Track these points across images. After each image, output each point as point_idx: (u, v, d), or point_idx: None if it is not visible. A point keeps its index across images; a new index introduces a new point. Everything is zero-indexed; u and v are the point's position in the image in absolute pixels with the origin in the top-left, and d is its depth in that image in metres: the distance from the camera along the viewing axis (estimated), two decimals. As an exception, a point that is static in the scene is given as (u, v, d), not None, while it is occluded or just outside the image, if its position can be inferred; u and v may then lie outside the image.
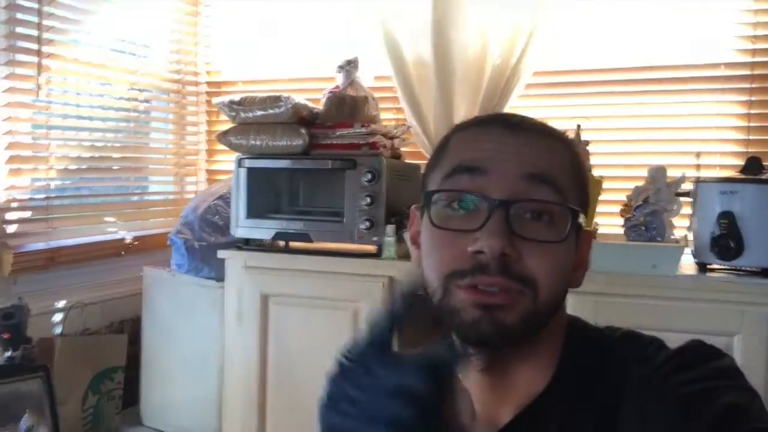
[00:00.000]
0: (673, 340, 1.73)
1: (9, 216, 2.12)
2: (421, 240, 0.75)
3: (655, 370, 0.67)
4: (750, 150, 2.12)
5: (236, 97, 2.19)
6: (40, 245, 2.19)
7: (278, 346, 2.11)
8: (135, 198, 2.70)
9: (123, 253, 2.50)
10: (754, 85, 2.14)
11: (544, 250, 0.68)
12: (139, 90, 2.62)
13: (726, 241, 1.71)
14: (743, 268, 1.75)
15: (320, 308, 2.07)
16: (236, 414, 2.15)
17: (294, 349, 2.09)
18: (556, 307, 0.70)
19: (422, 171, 2.03)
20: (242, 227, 2.19)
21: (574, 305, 1.74)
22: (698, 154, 1.82)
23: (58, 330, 2.25)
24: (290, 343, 2.09)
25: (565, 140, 0.75)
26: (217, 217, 2.33)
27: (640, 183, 1.98)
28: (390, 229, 2.01)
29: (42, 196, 2.24)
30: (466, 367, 0.74)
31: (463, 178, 0.70)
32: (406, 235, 1.97)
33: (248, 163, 2.18)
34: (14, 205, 2.14)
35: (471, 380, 0.76)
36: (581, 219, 0.71)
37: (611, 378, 0.70)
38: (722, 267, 1.78)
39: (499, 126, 0.72)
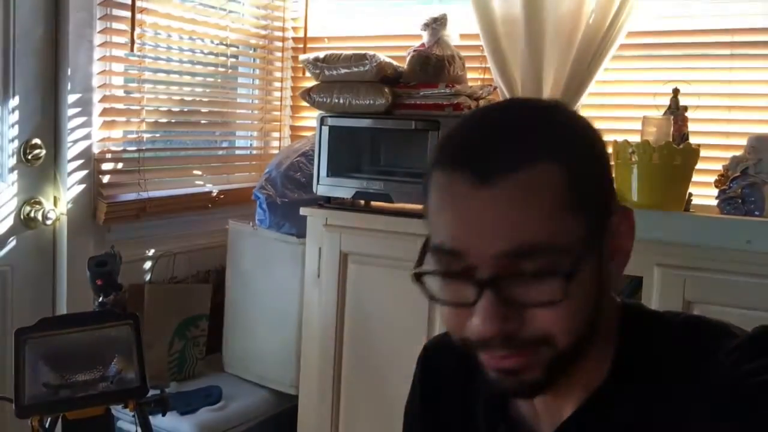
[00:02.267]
0: (766, 320, 1.65)
1: (103, 167, 2.21)
2: None
3: (722, 361, 0.64)
4: None
5: (321, 54, 2.19)
6: (132, 196, 2.28)
7: (355, 304, 2.13)
8: (221, 152, 2.77)
9: (210, 205, 2.58)
10: None
11: (553, 308, 0.63)
12: (227, 45, 2.65)
13: (830, 218, 1.60)
14: None
15: (398, 268, 2.07)
16: (313, 367, 2.20)
17: (370, 308, 2.11)
18: (583, 340, 0.67)
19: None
20: (323, 185, 2.21)
21: (661, 279, 1.70)
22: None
23: (147, 277, 2.36)
24: (367, 301, 2.12)
25: (556, 152, 0.64)
26: (299, 174, 2.35)
27: (739, 153, 1.87)
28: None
29: (134, 148, 2.32)
30: None
31: (446, 259, 0.66)
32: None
33: (331, 121, 2.18)
34: (108, 156, 2.23)
35: None
36: (592, 248, 0.65)
37: (676, 367, 0.67)
38: (824, 245, 1.67)
39: (466, 178, 0.64)
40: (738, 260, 1.68)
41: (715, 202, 1.86)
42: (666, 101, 1.99)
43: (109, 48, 2.20)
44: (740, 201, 1.77)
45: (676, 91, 1.94)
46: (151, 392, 1.49)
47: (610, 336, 0.71)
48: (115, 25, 2.22)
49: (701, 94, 2.16)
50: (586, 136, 0.70)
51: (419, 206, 2.21)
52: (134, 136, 2.33)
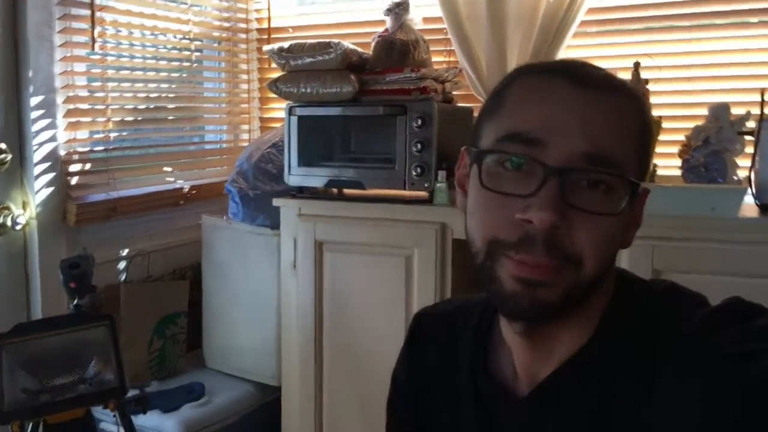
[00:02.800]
0: (733, 284, 1.70)
1: (71, 168, 2.19)
2: (468, 194, 0.73)
3: (694, 329, 0.66)
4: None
5: (285, 45, 2.18)
6: (102, 196, 2.26)
7: (333, 292, 2.14)
8: (191, 148, 2.75)
9: (182, 202, 2.57)
10: (826, 15, 2.02)
11: (596, 222, 0.65)
12: (190, 39, 2.63)
13: (790, 182, 1.64)
14: (809, 210, 1.69)
15: (373, 255, 2.09)
16: (294, 357, 2.21)
17: (348, 295, 2.13)
18: (602, 276, 0.69)
19: (475, 114, 2.02)
20: (295, 175, 2.21)
21: (630, 249, 1.72)
22: (763, 91, 1.73)
23: (122, 277, 2.35)
24: (344, 289, 2.13)
25: (635, 98, 0.71)
26: (270, 165, 2.35)
27: (701, 122, 1.91)
28: (441, 174, 2.00)
29: (101, 148, 2.30)
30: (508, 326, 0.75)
31: (518, 146, 0.66)
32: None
33: (299, 111, 2.18)
34: (75, 157, 2.21)
35: (512, 340, 0.76)
36: (640, 187, 0.68)
37: (651, 335, 0.69)
38: (786, 209, 1.71)
39: (565, 80, 0.67)
40: (703, 227, 1.72)
41: (679, 172, 1.89)
42: (628, 76, 2.01)
43: (70, 48, 2.17)
44: (703, 169, 1.81)
45: (636, 65, 1.96)
46: (132, 392, 1.49)
47: (602, 301, 0.72)
48: (75, 24, 2.19)
49: (663, 66, 2.19)
50: (645, 104, 0.76)
51: (391, 191, 2.22)
52: (101, 135, 2.31)
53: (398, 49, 2.13)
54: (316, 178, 2.19)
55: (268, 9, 2.83)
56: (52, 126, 2.12)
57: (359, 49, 2.16)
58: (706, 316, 0.67)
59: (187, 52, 2.64)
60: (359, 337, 2.11)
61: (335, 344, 2.16)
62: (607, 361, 0.70)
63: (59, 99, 2.14)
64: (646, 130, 0.71)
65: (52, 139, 2.12)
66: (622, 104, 0.68)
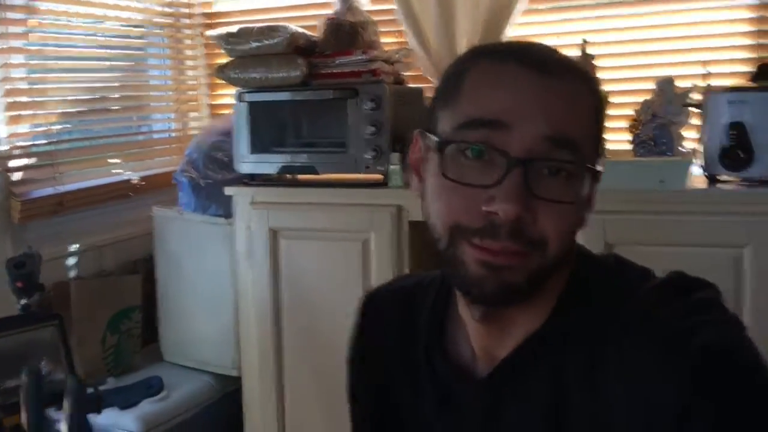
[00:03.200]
0: (684, 255, 1.73)
1: (13, 164, 2.11)
2: (426, 180, 0.72)
3: (640, 304, 0.67)
4: (761, 55, 2.06)
5: (232, 29, 2.14)
6: (48, 191, 2.19)
7: (289, 280, 2.12)
8: (139, 138, 2.68)
9: (131, 194, 2.50)
10: (765, -13, 2.06)
11: (559, 210, 0.65)
12: (132, 26, 2.56)
13: (735, 152, 1.68)
14: (753, 179, 1.72)
15: (329, 240, 2.07)
16: (253, 346, 2.19)
17: (305, 282, 2.11)
18: (564, 257, 0.69)
19: (426, 95, 2.01)
20: (247, 163, 2.18)
21: (583, 225, 1.74)
22: (706, 63, 1.76)
23: (72, 273, 2.28)
24: (301, 275, 2.11)
25: (589, 79, 0.71)
26: (221, 153, 2.31)
27: (649, 97, 1.94)
28: (395, 157, 1.99)
29: (44, 141, 2.22)
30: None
31: (481, 132, 0.66)
32: (412, 163, 1.95)
33: (248, 97, 2.15)
34: (17, 152, 2.13)
35: (469, 321, 0.76)
36: (599, 169, 0.68)
37: (599, 314, 0.70)
38: (732, 179, 1.75)
39: (521, 65, 0.67)
40: (653, 200, 1.75)
41: (629, 147, 1.92)
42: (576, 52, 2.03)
43: (6, 39, 2.09)
44: (652, 143, 1.84)
45: (584, 42, 1.98)
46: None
47: (561, 281, 0.72)
48: (9, 15, 2.10)
49: (610, 42, 2.22)
50: (599, 84, 0.74)
51: (345, 175, 2.21)
52: (44, 128, 2.23)
53: (347, 31, 2.10)
54: (269, 164, 2.16)
55: (212, -7, 2.77)
56: (-10, 120, 2.04)
57: (307, 32, 2.13)
58: (652, 291, 0.68)
59: (130, 40, 2.57)
60: (318, 323, 2.10)
61: (294, 331, 2.15)
62: (561, 338, 0.71)
63: (-4, 92, 2.06)
64: (600, 112, 0.71)
65: (-9, 133, 2.04)
66: (578, 87, 0.68)
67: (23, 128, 2.17)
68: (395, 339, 0.85)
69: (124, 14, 2.51)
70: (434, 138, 0.69)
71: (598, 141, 0.71)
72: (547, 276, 0.68)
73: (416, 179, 0.76)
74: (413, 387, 0.82)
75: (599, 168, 0.68)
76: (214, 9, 2.81)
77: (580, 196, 0.66)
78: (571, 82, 0.68)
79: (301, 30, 2.11)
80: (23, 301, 1.55)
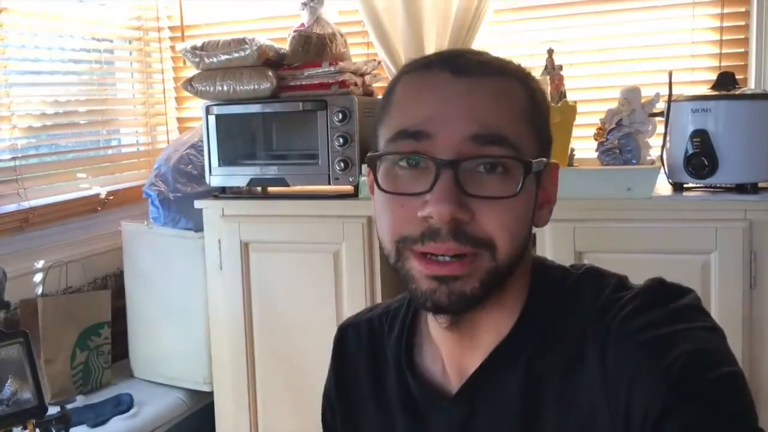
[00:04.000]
0: (652, 262, 1.75)
1: (-24, 179, 2.08)
2: (374, 199, 0.72)
3: (615, 314, 0.66)
4: (723, 64, 2.10)
5: (199, 42, 2.13)
6: (12, 207, 2.16)
7: (261, 293, 2.11)
8: (107, 152, 2.65)
9: (99, 208, 2.47)
10: (725, -3, 2.10)
11: (500, 206, 0.65)
12: (99, 40, 2.53)
13: (699, 159, 1.70)
14: (718, 186, 1.76)
15: (301, 252, 2.06)
16: (225, 361, 2.17)
17: (277, 294, 2.10)
18: (518, 258, 0.69)
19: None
20: (216, 176, 2.16)
21: (552, 233, 1.77)
22: (671, 72, 1.79)
23: (39, 290, 2.24)
24: (273, 288, 2.10)
25: (520, 75, 0.71)
26: (190, 166, 2.29)
27: (615, 105, 1.96)
28: (365, 168, 1.99)
29: (8, 156, 2.19)
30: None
31: (409, 142, 0.66)
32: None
33: (216, 110, 2.13)
34: (-20, 167, 2.10)
35: (438, 335, 0.76)
36: (541, 162, 0.68)
37: (574, 321, 0.69)
38: (697, 185, 1.78)
39: (445, 71, 0.68)
40: (620, 208, 1.77)
41: (595, 155, 1.94)
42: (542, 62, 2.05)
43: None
44: (618, 151, 1.86)
45: (550, 51, 2.00)
46: (54, 409, 1.43)
47: (520, 287, 0.72)
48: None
49: (576, 51, 2.24)
50: (534, 80, 0.74)
51: (316, 187, 2.21)
52: (7, 143, 2.19)
53: (315, 43, 2.10)
54: (238, 177, 2.15)
55: (180, 5, 2.75)
56: (-48, 135, 2.00)
57: (275, 45, 2.13)
58: (630, 299, 0.67)
59: (97, 54, 2.54)
60: (290, 336, 2.09)
61: (266, 345, 2.13)
62: (532, 347, 0.71)
63: (-41, 107, 2.02)
64: (537, 105, 0.71)
65: (-46, 149, 2.01)
66: (505, 84, 0.68)
67: (-14, 143, 2.14)
68: (366, 370, 0.85)
69: (92, 28, 2.49)
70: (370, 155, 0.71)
71: (542, 134, 0.71)
72: (502, 278, 0.68)
73: (373, 202, 0.76)
74: (386, 413, 0.81)
75: (543, 160, 0.68)
76: (183, 22, 2.79)
77: (517, 191, 0.65)
78: (498, 80, 0.68)
79: (269, 42, 2.10)
80: (-13, 320, 1.52)
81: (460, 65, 0.68)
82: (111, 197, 2.50)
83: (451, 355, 0.75)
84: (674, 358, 0.60)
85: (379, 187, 0.68)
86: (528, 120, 0.68)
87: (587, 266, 0.76)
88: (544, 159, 0.70)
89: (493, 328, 0.72)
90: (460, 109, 0.65)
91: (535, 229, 0.74)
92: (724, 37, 2.12)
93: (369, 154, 0.70)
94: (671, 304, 0.66)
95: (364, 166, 1.95)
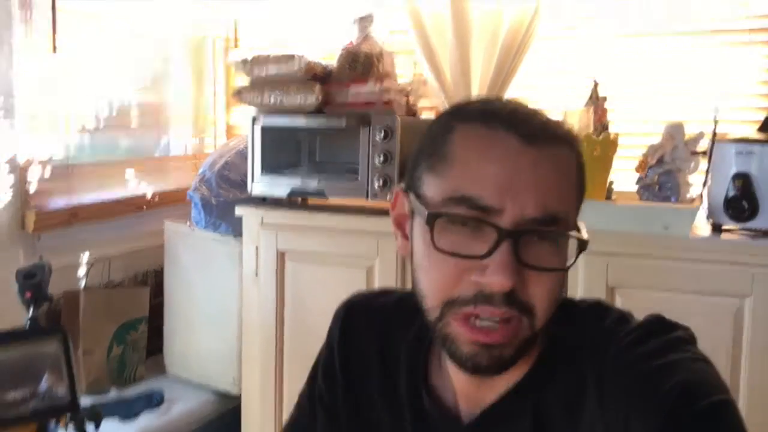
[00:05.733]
0: (684, 302, 1.74)
1: (30, 175, 2.16)
2: (415, 246, 0.73)
3: (613, 347, 0.69)
4: (773, 104, 2.07)
5: (250, 54, 2.18)
6: (62, 202, 2.24)
7: (294, 302, 2.15)
8: (155, 154, 2.73)
9: (144, 207, 2.55)
10: (779, 37, 2.07)
11: (547, 276, 0.67)
12: (156, 44, 2.61)
13: (740, 202, 1.68)
14: (757, 230, 1.73)
15: (335, 265, 2.10)
16: (255, 366, 2.21)
17: (309, 305, 2.13)
18: (548, 322, 0.71)
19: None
20: (258, 184, 2.21)
21: (586, 266, 1.76)
22: (717, 111, 1.77)
23: (82, 284, 2.32)
24: (306, 298, 2.14)
25: (570, 140, 0.72)
26: (233, 173, 2.35)
27: (658, 138, 1.95)
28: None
29: (62, 155, 2.27)
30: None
31: (474, 212, 0.67)
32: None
33: (263, 120, 2.18)
34: (35, 164, 2.18)
35: (456, 373, 0.77)
36: (586, 243, 0.70)
37: (575, 357, 0.72)
38: (736, 228, 1.76)
39: (511, 135, 0.67)
40: (656, 245, 1.76)
41: (635, 189, 1.93)
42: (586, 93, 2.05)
43: (31, 51, 2.15)
44: (657, 188, 1.85)
45: (595, 83, 2.00)
46: (88, 402, 1.49)
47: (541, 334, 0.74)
48: (36, 28, 2.16)
49: (621, 82, 2.23)
50: (580, 143, 0.75)
51: (355, 202, 2.23)
52: (62, 142, 2.28)
53: (362, 61, 2.13)
54: (280, 187, 2.19)
55: (235, 17, 2.82)
56: (10, 132, 2.09)
57: (323, 62, 2.17)
58: (627, 333, 0.70)
59: (153, 58, 2.62)
60: (319, 346, 2.11)
61: (296, 354, 2.17)
62: (544, 384, 0.73)
63: (18, 104, 2.11)
64: (582, 170, 0.73)
65: (11, 145, 2.09)
66: (564, 155, 0.70)
67: (42, 140, 2.22)
68: (377, 358, 0.86)
69: (150, 33, 2.57)
70: (422, 207, 0.70)
71: (579, 199, 0.72)
72: (533, 343, 0.71)
73: (401, 237, 0.77)
74: (393, 415, 0.83)
75: (584, 236, 0.70)
76: (237, 31, 2.86)
77: (568, 265, 0.69)
78: (559, 150, 0.69)
79: (317, 59, 2.15)
80: (31, 312, 1.58)
81: (527, 131, 0.68)
82: (157, 198, 2.57)
83: (466, 391, 0.78)
84: (669, 388, 0.62)
85: (435, 246, 0.67)
86: (575, 188, 0.71)
87: (594, 300, 0.79)
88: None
89: (511, 373, 0.74)
90: (526, 183, 0.66)
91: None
92: (775, 77, 2.08)
93: (430, 212, 0.68)
94: (665, 337, 0.69)
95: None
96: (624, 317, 0.74)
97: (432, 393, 0.80)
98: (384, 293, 0.93)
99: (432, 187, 0.70)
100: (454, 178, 0.68)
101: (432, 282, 0.69)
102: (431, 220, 0.68)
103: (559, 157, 0.69)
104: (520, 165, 0.66)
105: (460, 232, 0.67)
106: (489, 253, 0.65)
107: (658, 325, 0.71)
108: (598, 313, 0.75)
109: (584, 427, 0.69)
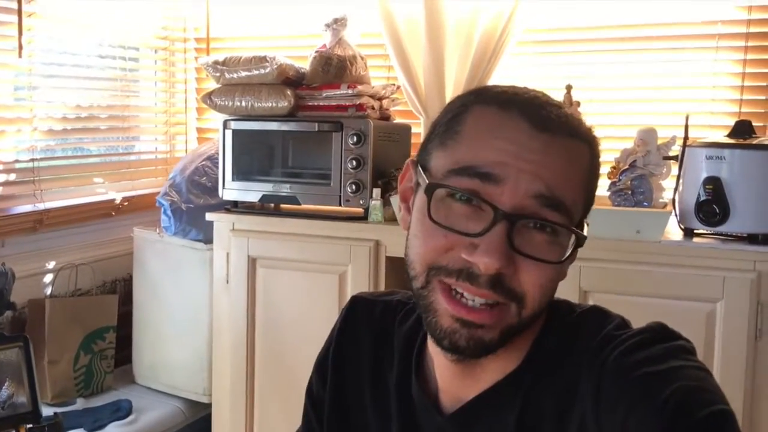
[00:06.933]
0: (656, 306, 1.74)
1: (-6, 179, 2.12)
2: (412, 215, 0.72)
3: (612, 349, 0.68)
4: (744, 110, 2.08)
5: (220, 57, 2.15)
6: (27, 207, 2.19)
7: (265, 309, 2.12)
8: (124, 158, 2.68)
9: (113, 213, 2.50)
10: (749, 43, 2.09)
11: (542, 267, 0.66)
12: (125, 47, 2.58)
13: (711, 206, 1.69)
14: (729, 234, 1.74)
15: (307, 271, 2.07)
16: (225, 374, 2.18)
17: (281, 312, 2.10)
18: (540, 313, 0.70)
19: (413, 131, 2.00)
20: (229, 189, 2.19)
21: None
22: (688, 116, 1.78)
23: (48, 291, 2.27)
24: (277, 305, 2.11)
25: (589, 139, 0.70)
26: (205, 178, 2.32)
27: (630, 144, 1.95)
28: (376, 192, 2.00)
29: (27, 158, 2.22)
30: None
31: (474, 181, 0.66)
32: (393, 199, 1.96)
33: (234, 125, 2.16)
34: (-1, 167, 2.13)
35: (440, 363, 0.76)
36: (585, 230, 0.69)
37: (572, 356, 0.70)
38: (707, 232, 1.76)
39: (525, 120, 0.66)
40: (629, 250, 1.75)
41: (607, 194, 1.93)
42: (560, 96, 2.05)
43: (-4, 54, 2.10)
44: (630, 192, 1.85)
45: (568, 87, 2.00)
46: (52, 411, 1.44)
47: (533, 330, 0.73)
48: (1, 31, 2.12)
49: (594, 87, 2.24)
50: (598, 145, 0.73)
51: (327, 208, 2.21)
52: (27, 145, 2.23)
53: (335, 65, 2.12)
54: (251, 192, 2.17)
55: (207, 18, 2.79)
56: (-26, 135, 2.04)
57: (296, 64, 2.15)
58: (629, 336, 0.69)
59: (122, 61, 2.58)
60: (292, 355, 2.09)
61: (267, 361, 2.13)
62: (531, 383, 0.72)
63: (-18, 107, 2.06)
64: (595, 171, 0.72)
65: (-26, 148, 2.04)
66: (577, 148, 0.68)
67: (8, 143, 2.17)
68: (370, 348, 0.85)
69: (119, 35, 2.53)
70: (425, 178, 0.69)
71: (589, 201, 0.71)
72: (518, 333, 0.69)
73: (404, 210, 0.76)
74: (381, 409, 0.82)
75: (585, 233, 0.68)
76: (209, 35, 2.82)
77: (563, 259, 0.66)
78: (572, 143, 0.68)
79: (289, 61, 2.12)
80: (-8, 320, 1.54)
81: (542, 118, 0.67)
82: (126, 203, 2.52)
83: (450, 381, 0.76)
84: (669, 395, 0.61)
85: (430, 216, 0.67)
86: (585, 186, 0.69)
87: (593, 305, 0.78)
88: (587, 222, 0.71)
89: (497, 369, 0.73)
90: (533, 164, 0.65)
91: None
92: (746, 84, 2.10)
93: (430, 182, 0.68)
94: (667, 344, 0.67)
95: (376, 191, 1.97)
96: (624, 323, 0.73)
97: (421, 381, 0.79)
98: (390, 293, 0.93)
99: (438, 159, 0.70)
100: (459, 152, 0.68)
101: (421, 248, 0.69)
102: (430, 191, 0.67)
103: (573, 148, 0.68)
104: (528, 147, 0.65)
105: (459, 209, 0.67)
106: (482, 233, 0.64)
107: (661, 332, 0.70)
108: (598, 317, 0.74)
109: (573, 427, 0.68)
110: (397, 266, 1.92)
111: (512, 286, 0.65)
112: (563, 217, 0.66)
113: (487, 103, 0.69)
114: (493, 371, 0.73)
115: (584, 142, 0.69)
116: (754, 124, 1.81)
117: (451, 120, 0.71)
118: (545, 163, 0.65)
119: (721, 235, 1.75)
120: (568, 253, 0.67)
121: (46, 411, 1.80)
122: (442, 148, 0.70)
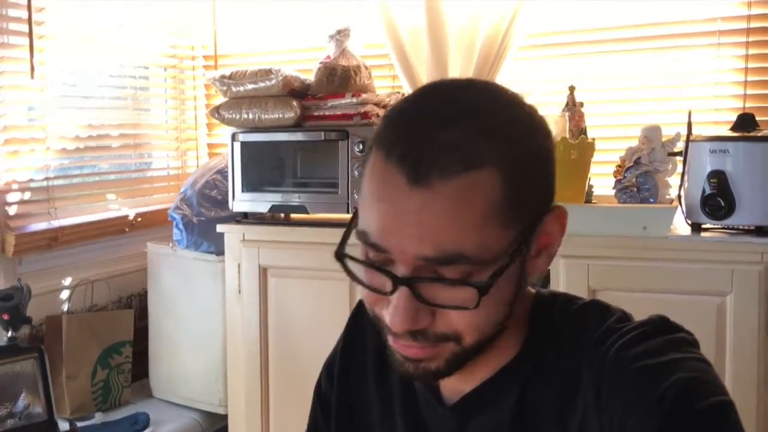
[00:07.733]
0: (666, 302, 1.74)
1: (10, 198, 2.15)
2: None
3: (613, 342, 0.68)
4: (747, 105, 2.08)
5: (227, 71, 2.19)
6: (43, 225, 2.23)
7: (278, 318, 2.14)
8: (136, 175, 2.72)
9: (127, 229, 2.54)
10: (750, 39, 2.09)
11: (465, 311, 0.64)
12: (135, 66, 2.63)
13: (716, 200, 1.69)
14: (736, 227, 1.74)
15: (318, 279, 2.09)
16: (240, 384, 2.19)
17: (293, 320, 2.12)
18: (492, 337, 0.69)
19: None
20: (239, 201, 2.21)
21: (566, 269, 1.76)
22: (690, 112, 1.79)
23: (65, 308, 2.30)
24: (289, 314, 2.13)
25: (492, 159, 0.62)
26: (215, 191, 2.35)
27: (635, 143, 1.96)
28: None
29: (42, 176, 2.26)
30: None
31: (370, 249, 0.66)
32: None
33: (242, 137, 2.19)
34: (14, 186, 2.17)
35: None
36: (520, 248, 0.65)
37: (572, 348, 0.71)
38: (714, 226, 1.76)
39: (403, 172, 0.62)
40: (636, 246, 1.76)
41: (613, 192, 1.93)
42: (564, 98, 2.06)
43: (8, 76, 2.15)
44: (635, 189, 1.85)
45: (571, 89, 2.01)
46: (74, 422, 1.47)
47: (519, 327, 0.74)
48: (13, 53, 2.16)
49: (598, 88, 2.25)
50: (536, 133, 0.68)
51: (336, 216, 2.23)
52: (41, 164, 2.27)
53: (339, 75, 2.15)
54: (261, 203, 2.19)
55: (214, 36, 2.84)
56: (-11, 155, 2.08)
57: (301, 76, 2.18)
58: (630, 329, 0.69)
59: (132, 79, 2.63)
60: (305, 363, 2.10)
61: (281, 370, 2.15)
62: (528, 375, 0.73)
63: (-4, 128, 2.11)
64: (524, 177, 0.65)
65: (-10, 168, 2.09)
66: (473, 184, 0.61)
67: (22, 163, 2.21)
68: (374, 355, 0.87)
69: (130, 54, 2.58)
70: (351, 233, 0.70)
71: (528, 207, 0.66)
72: (471, 357, 0.69)
73: None
74: (386, 406, 0.84)
75: (482, 281, 0.62)
76: (217, 51, 2.87)
77: (476, 304, 0.62)
78: (461, 183, 0.61)
79: (294, 73, 2.16)
80: (10, 334, 1.57)
81: (420, 166, 0.61)
82: (139, 219, 2.56)
83: (448, 378, 0.77)
84: (668, 386, 0.61)
85: (350, 277, 0.69)
86: (502, 217, 0.63)
87: (594, 299, 0.78)
88: (526, 246, 0.66)
89: (491, 363, 0.74)
90: (414, 226, 0.61)
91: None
92: (749, 78, 2.10)
93: (337, 251, 0.69)
94: (668, 336, 0.68)
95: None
96: (626, 315, 0.73)
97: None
98: None
99: (359, 208, 0.69)
100: (361, 213, 0.67)
101: (363, 298, 0.72)
102: (337, 260, 0.70)
103: (464, 189, 0.61)
104: (406, 207, 0.61)
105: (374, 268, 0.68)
106: (390, 293, 0.65)
107: (662, 324, 0.70)
108: (599, 310, 0.74)
109: (574, 419, 0.68)
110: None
111: (439, 331, 0.65)
112: (465, 267, 0.62)
113: (378, 146, 0.65)
114: (487, 365, 0.74)
115: (487, 165, 0.61)
116: (757, 118, 1.81)
117: (363, 164, 0.70)
118: (427, 222, 0.61)
119: (728, 228, 1.75)
120: (476, 302, 0.62)
121: (64, 426, 1.82)
122: (360, 194, 0.70)
